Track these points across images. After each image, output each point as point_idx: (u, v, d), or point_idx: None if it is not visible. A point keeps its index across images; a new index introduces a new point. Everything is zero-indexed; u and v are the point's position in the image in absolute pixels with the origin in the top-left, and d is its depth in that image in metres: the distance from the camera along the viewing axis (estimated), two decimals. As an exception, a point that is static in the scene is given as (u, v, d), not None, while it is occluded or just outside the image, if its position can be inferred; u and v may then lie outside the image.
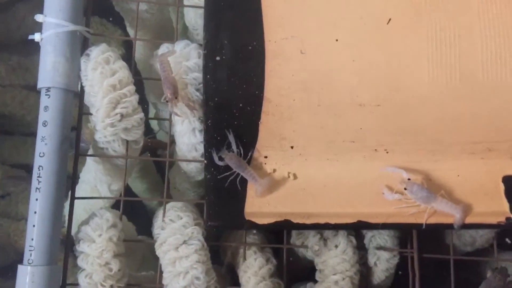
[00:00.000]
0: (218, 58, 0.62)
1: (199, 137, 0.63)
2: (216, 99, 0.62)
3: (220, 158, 0.60)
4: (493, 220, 0.58)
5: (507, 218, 0.57)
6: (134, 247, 0.73)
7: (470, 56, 0.60)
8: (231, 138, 0.60)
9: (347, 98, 0.62)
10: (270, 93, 0.63)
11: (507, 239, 0.72)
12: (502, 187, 0.59)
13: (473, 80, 0.60)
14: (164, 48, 0.65)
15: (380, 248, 0.62)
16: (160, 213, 0.64)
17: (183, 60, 0.63)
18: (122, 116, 0.61)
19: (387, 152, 0.62)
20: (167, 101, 0.60)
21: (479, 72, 0.60)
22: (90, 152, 0.67)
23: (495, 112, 0.60)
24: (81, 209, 0.72)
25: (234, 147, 0.60)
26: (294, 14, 0.62)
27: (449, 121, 0.61)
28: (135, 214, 0.76)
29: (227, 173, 0.60)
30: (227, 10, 0.63)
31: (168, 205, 0.64)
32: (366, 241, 0.63)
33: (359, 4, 0.62)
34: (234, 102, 0.62)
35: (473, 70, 0.60)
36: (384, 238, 0.62)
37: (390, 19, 0.61)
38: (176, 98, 0.60)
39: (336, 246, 0.61)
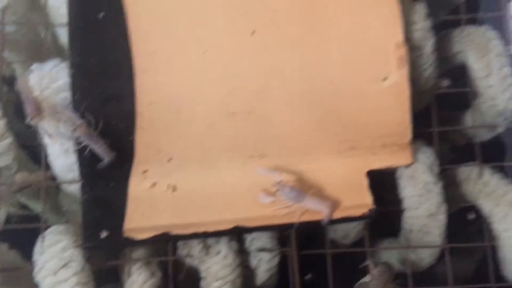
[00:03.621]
0: (85, 76, 0.62)
1: (73, 158, 0.63)
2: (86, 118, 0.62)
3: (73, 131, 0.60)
4: (358, 213, 0.61)
5: (370, 210, 0.61)
6: (20, 276, 0.70)
7: (326, 63, 0.64)
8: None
9: (219, 108, 0.64)
10: (142, 107, 0.63)
11: None
12: (366, 181, 0.63)
13: (332, 84, 0.64)
14: (34, 67, 0.64)
15: (261, 249, 0.64)
16: (40, 238, 0.62)
17: (52, 82, 0.63)
18: (-13, 142, 0.60)
19: (262, 158, 0.65)
20: (31, 120, 0.59)
21: (336, 77, 0.64)
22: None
23: (354, 112, 0.64)
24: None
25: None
26: (160, 28, 0.64)
27: (315, 123, 0.65)
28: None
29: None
30: (91, 26, 0.63)
31: (50, 229, 0.63)
32: (247, 244, 0.65)
33: (223, 17, 0.64)
34: (107, 120, 0.62)
35: (330, 77, 0.64)
36: (264, 240, 0.64)
37: (254, 31, 0.64)
38: (40, 115, 0.59)
39: (218, 253, 0.62)
